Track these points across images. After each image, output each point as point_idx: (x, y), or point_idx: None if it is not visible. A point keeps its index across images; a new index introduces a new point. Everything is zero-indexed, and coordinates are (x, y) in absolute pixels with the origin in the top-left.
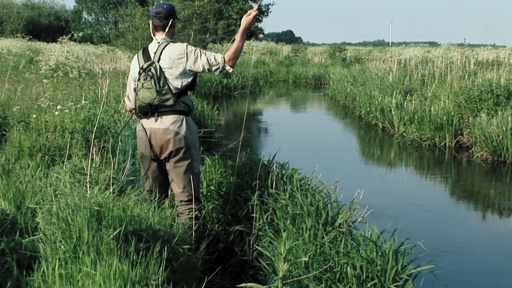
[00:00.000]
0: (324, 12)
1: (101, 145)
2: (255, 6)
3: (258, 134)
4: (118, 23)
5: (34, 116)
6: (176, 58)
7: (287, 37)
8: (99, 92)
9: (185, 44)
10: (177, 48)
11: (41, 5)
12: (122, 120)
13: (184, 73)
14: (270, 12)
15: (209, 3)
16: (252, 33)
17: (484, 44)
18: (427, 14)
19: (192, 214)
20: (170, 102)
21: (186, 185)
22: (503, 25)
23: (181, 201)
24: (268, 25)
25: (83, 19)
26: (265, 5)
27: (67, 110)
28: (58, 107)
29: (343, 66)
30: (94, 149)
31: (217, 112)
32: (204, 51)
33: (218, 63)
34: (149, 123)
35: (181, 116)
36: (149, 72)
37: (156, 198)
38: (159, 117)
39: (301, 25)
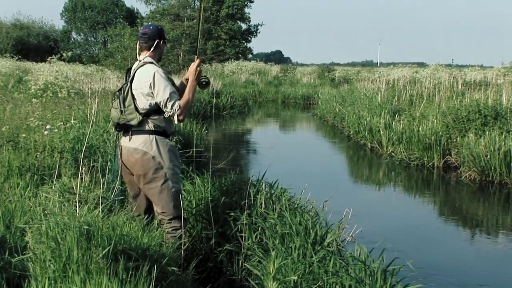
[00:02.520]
0: (312, 32)
1: (91, 165)
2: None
3: (247, 154)
4: (107, 43)
5: (24, 135)
6: (143, 81)
7: (276, 57)
8: (88, 111)
9: (154, 71)
10: (147, 71)
11: (30, 25)
12: (112, 140)
13: (150, 96)
14: (259, 32)
15: (198, 23)
16: (242, 53)
17: (471, 64)
18: (415, 35)
19: (175, 233)
20: (135, 122)
21: (164, 205)
22: (491, 46)
23: (162, 220)
24: (257, 45)
25: (72, 39)
26: (254, 25)
27: (56, 130)
28: (48, 126)
29: (332, 86)
30: (84, 168)
31: (206, 131)
32: (171, 90)
33: (171, 111)
34: (124, 142)
35: (151, 136)
36: (119, 92)
37: (144, 219)
38: (132, 136)
39: (290, 45)
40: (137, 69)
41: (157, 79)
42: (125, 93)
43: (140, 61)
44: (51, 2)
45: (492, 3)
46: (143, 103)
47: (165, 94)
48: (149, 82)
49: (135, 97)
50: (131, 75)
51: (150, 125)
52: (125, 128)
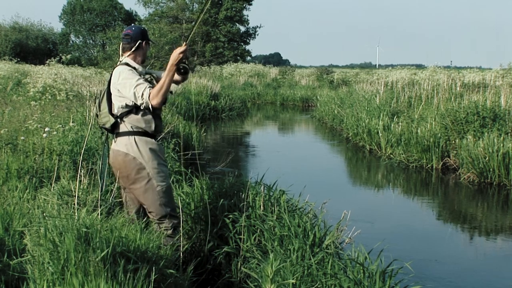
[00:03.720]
0: (311, 34)
1: (89, 167)
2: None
3: (245, 156)
4: (106, 45)
5: (22, 138)
6: (113, 82)
7: (274, 59)
8: (87, 114)
9: (119, 70)
10: (116, 72)
11: (29, 28)
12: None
13: (122, 97)
14: (258, 34)
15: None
16: (240, 55)
17: (470, 66)
18: (413, 37)
19: (168, 233)
20: (108, 125)
21: (150, 205)
22: (489, 48)
23: (152, 220)
24: (256, 47)
25: (71, 42)
26: (253, 27)
27: (55, 132)
28: (46, 129)
29: (331, 88)
30: (82, 171)
31: (204, 134)
32: (138, 82)
33: (143, 99)
34: (112, 144)
35: (131, 137)
36: (96, 96)
37: (142, 221)
38: (117, 139)
39: (289, 47)
40: (112, 71)
41: (122, 77)
42: (101, 97)
43: (120, 61)
44: (49, 5)
45: (491, 6)
46: (117, 104)
47: (131, 86)
48: (116, 83)
49: (112, 99)
50: (110, 77)
51: (128, 126)
52: (108, 131)
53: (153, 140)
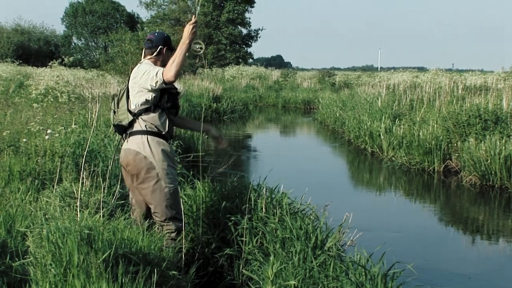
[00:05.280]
0: (313, 37)
1: (91, 169)
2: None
3: (247, 158)
4: (108, 48)
5: (24, 140)
6: (133, 78)
7: (276, 62)
8: (89, 116)
9: (142, 64)
10: (137, 68)
11: (31, 30)
12: (112, 144)
13: (140, 92)
14: (260, 37)
15: (198, 28)
16: (242, 58)
17: (472, 69)
18: (415, 40)
19: (171, 235)
20: (125, 122)
21: (156, 205)
22: (491, 51)
23: (157, 222)
24: (258, 50)
25: (73, 44)
26: (255, 30)
27: (57, 134)
28: (48, 131)
29: (332, 91)
30: (84, 173)
31: (206, 136)
32: (154, 68)
33: (157, 77)
34: (124, 144)
35: (143, 136)
36: (115, 94)
37: (145, 223)
38: (129, 138)
39: (291, 50)
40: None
41: (142, 68)
42: (121, 95)
43: (140, 62)
44: (52, 7)
45: (493, 8)
46: (134, 102)
47: (150, 73)
48: (135, 76)
49: (130, 97)
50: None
51: (142, 125)
52: (120, 130)
53: (165, 141)
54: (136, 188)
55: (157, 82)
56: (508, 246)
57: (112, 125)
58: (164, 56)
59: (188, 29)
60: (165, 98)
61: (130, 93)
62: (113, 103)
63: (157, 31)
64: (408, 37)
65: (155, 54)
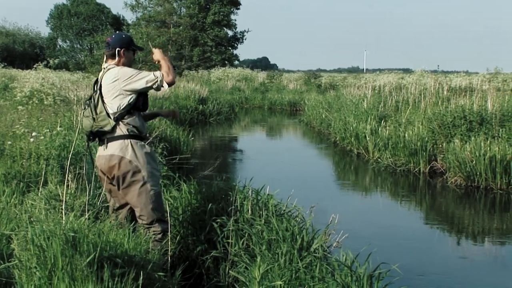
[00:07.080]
0: (299, 39)
1: (77, 172)
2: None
3: (233, 160)
4: (93, 50)
5: (9, 143)
6: (110, 82)
7: (262, 63)
8: (75, 118)
9: (117, 69)
10: (111, 72)
11: (16, 32)
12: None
13: (120, 95)
14: (245, 39)
15: (184, 30)
16: (228, 60)
17: (457, 70)
18: (400, 42)
19: (156, 237)
20: (108, 127)
21: (142, 208)
22: (476, 52)
23: (142, 224)
24: (243, 52)
25: (58, 46)
26: (240, 32)
27: (42, 137)
28: (33, 133)
29: (318, 92)
30: (70, 175)
31: (192, 138)
32: (143, 73)
33: (156, 78)
34: (100, 151)
35: (126, 141)
36: (89, 101)
37: (129, 225)
38: (107, 144)
39: (276, 52)
40: (103, 76)
41: (123, 72)
42: (96, 101)
43: (104, 68)
44: (36, 9)
45: (477, 10)
46: (113, 107)
47: (140, 79)
48: (115, 80)
49: (106, 103)
50: (99, 82)
51: (123, 130)
52: (98, 136)
53: (146, 145)
54: (120, 192)
55: (157, 82)
56: (492, 247)
57: (87, 132)
58: (124, 57)
59: (158, 51)
60: (140, 99)
61: (104, 98)
62: (88, 110)
63: (116, 32)
64: (394, 39)
65: (116, 58)
